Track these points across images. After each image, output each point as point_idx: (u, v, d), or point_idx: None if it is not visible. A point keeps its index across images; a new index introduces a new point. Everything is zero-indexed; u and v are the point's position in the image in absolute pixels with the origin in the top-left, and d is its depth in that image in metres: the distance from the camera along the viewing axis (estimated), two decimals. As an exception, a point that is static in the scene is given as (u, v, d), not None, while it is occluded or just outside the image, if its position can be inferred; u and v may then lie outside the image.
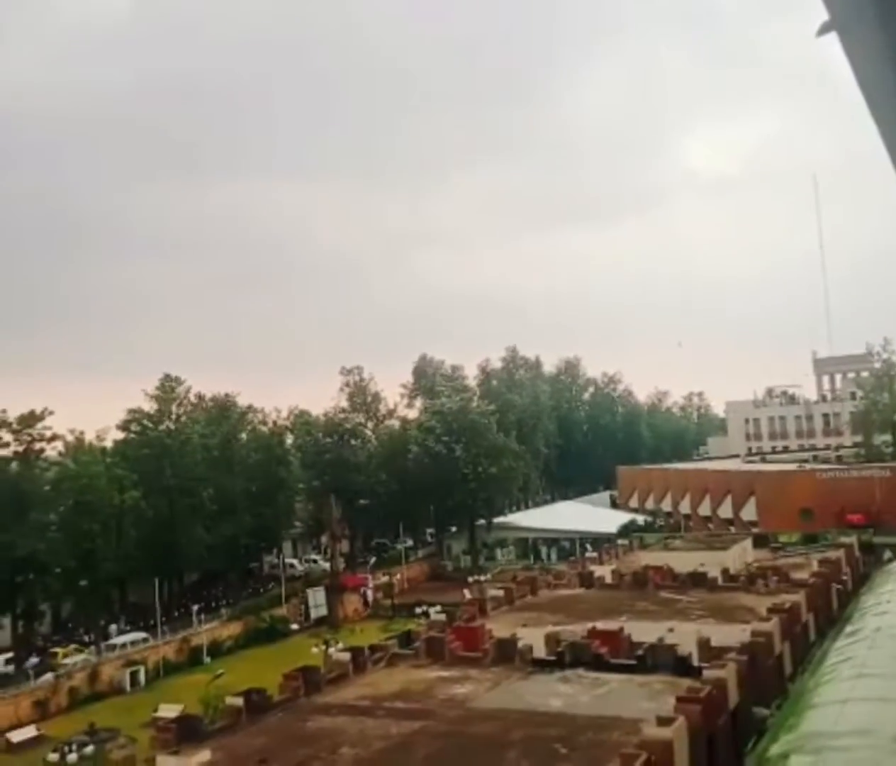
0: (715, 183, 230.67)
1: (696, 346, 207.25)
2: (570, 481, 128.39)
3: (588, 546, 74.52)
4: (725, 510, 79.56)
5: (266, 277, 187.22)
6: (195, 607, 66.63)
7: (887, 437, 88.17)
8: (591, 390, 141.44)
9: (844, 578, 45.81)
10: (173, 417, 75.60)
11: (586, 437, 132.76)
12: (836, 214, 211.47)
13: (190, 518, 69.92)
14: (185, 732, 26.73)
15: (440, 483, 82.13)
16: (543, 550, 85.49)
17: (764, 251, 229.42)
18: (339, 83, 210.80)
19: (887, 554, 53.58)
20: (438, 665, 33.51)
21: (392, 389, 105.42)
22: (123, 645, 59.29)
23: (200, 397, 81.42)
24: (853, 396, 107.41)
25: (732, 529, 73.40)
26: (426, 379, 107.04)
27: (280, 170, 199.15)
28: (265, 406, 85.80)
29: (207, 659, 59.53)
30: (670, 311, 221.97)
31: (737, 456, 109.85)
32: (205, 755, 22.92)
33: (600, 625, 34.82)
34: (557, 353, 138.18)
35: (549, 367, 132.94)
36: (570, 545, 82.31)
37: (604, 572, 50.41)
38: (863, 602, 34.27)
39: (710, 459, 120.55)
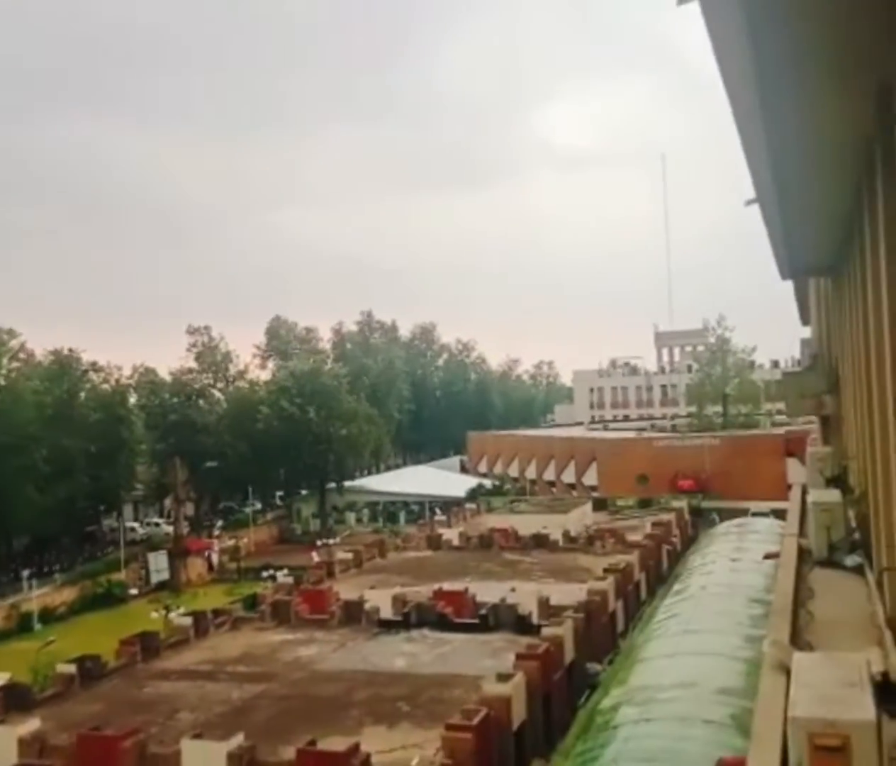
0: (572, 157, 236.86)
1: (548, 315, 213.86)
2: (422, 445, 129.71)
3: (437, 510, 75.64)
4: (569, 475, 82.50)
5: (116, 226, 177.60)
6: (25, 572, 63.11)
7: (718, 408, 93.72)
8: (445, 356, 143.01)
9: (674, 539, 48.65)
10: (3, 371, 70.97)
11: (439, 403, 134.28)
12: (684, 194, 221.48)
13: (20, 479, 65.95)
14: (13, 700, 25.56)
15: (290, 446, 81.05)
16: (393, 513, 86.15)
17: (615, 227, 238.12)
18: (206, 36, 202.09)
19: (714, 517, 57.12)
20: (284, 628, 33.31)
21: (245, 349, 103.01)
22: (-58, 613, 55.56)
23: (30, 354, 76.75)
24: (689, 368, 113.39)
25: (575, 493, 76.25)
26: (279, 341, 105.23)
27: (136, 116, 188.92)
28: (110, 362, 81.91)
29: (39, 626, 56.51)
30: (525, 280, 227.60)
31: (581, 424, 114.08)
32: (34, 723, 21.90)
33: (446, 586, 35.53)
34: (413, 318, 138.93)
35: (404, 332, 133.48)
36: (420, 509, 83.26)
37: (451, 534, 51.38)
38: (690, 562, 36.36)
39: (556, 426, 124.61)
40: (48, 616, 58.34)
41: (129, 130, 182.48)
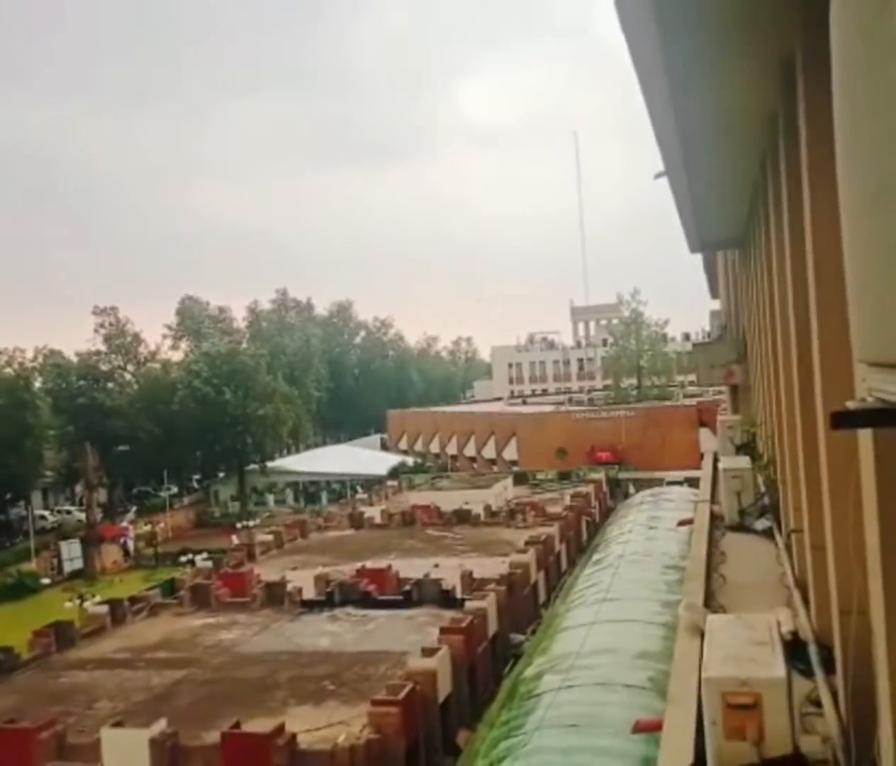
0: (488, 132, 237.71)
1: (466, 292, 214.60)
2: (341, 424, 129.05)
3: (359, 488, 75.49)
4: (489, 451, 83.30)
5: (12, 201, 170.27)
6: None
7: (633, 380, 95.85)
8: (363, 334, 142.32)
9: (593, 510, 49.69)
10: None
11: (357, 381, 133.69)
12: (598, 169, 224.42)
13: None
14: (-83, 700, 24.51)
15: (207, 428, 79.59)
16: (314, 493, 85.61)
17: (531, 203, 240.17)
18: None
19: (630, 488, 58.55)
20: (204, 612, 32.85)
21: (154, 329, 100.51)
22: None
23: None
24: (605, 342, 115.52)
25: (496, 468, 77.05)
26: (192, 321, 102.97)
27: (30, 86, 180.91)
28: (8, 346, 78.81)
29: (-56, 621, 54.44)
30: (442, 257, 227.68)
31: (500, 399, 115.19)
32: (-59, 722, 21.07)
33: (369, 564, 35.58)
34: (330, 296, 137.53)
35: (320, 310, 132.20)
36: (342, 488, 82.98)
37: (373, 512, 51.41)
38: (608, 532, 37.21)
39: (476, 402, 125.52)
40: (-47, 611, 56.15)
41: (24, 102, 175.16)
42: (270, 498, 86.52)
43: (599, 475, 59.85)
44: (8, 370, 76.70)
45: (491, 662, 26.80)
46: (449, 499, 52.13)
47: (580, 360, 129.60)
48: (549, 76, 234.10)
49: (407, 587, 31.96)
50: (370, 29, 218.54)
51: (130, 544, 70.01)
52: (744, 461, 14.25)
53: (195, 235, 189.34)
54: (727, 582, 9.68)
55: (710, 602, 8.75)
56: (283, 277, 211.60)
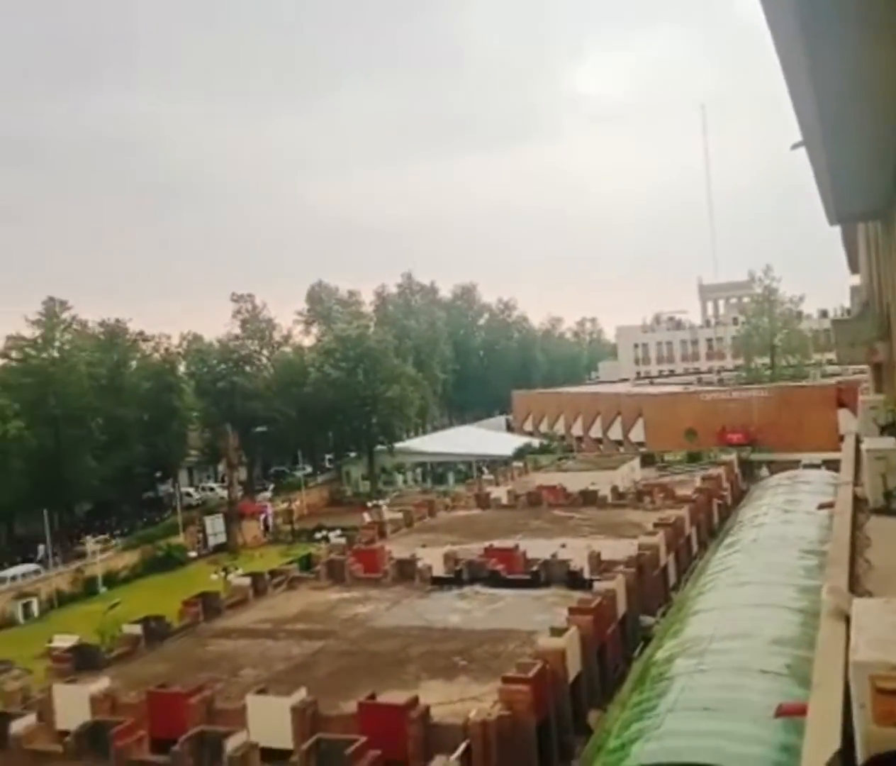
0: (606, 110, 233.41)
1: (588, 272, 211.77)
2: (467, 406, 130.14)
3: (485, 469, 76.10)
4: (615, 432, 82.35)
5: (152, 198, 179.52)
6: (89, 538, 65.17)
7: (766, 359, 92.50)
8: (487, 316, 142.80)
9: (724, 493, 48.42)
10: (57, 344, 72.64)
11: (482, 362, 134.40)
12: (723, 144, 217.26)
13: (78, 448, 67.77)
14: (82, 661, 26.48)
15: (338, 409, 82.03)
16: (441, 473, 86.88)
17: (655, 180, 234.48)
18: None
19: (763, 470, 56.74)
20: (339, 587, 34.00)
21: (284, 315, 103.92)
22: (14, 577, 57.57)
23: (84, 324, 78.25)
24: (735, 321, 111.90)
25: (622, 449, 76.12)
26: (321, 306, 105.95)
27: (161, 86, 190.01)
28: (156, 333, 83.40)
29: (103, 589, 58.44)
30: (564, 237, 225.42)
31: (626, 380, 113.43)
32: (103, 682, 22.78)
33: (496, 543, 35.90)
34: (452, 279, 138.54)
35: (444, 293, 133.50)
36: (468, 469, 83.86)
37: (500, 493, 51.75)
38: (741, 515, 36.30)
39: (601, 383, 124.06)
40: (112, 580, 60.29)
41: (159, 100, 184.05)
42: (399, 478, 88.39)
43: (731, 457, 58.28)
44: (155, 356, 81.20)
45: (620, 643, 26.71)
46: (575, 480, 51.92)
47: (709, 339, 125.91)
48: (671, 49, 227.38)
49: (534, 567, 32.12)
50: (484, 13, 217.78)
51: (269, 521, 73.21)
52: (889, 442, 13.69)
53: (319, 223, 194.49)
54: (872, 567, 9.42)
55: (855, 587, 8.57)
56: (406, 262, 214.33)
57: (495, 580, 32.02)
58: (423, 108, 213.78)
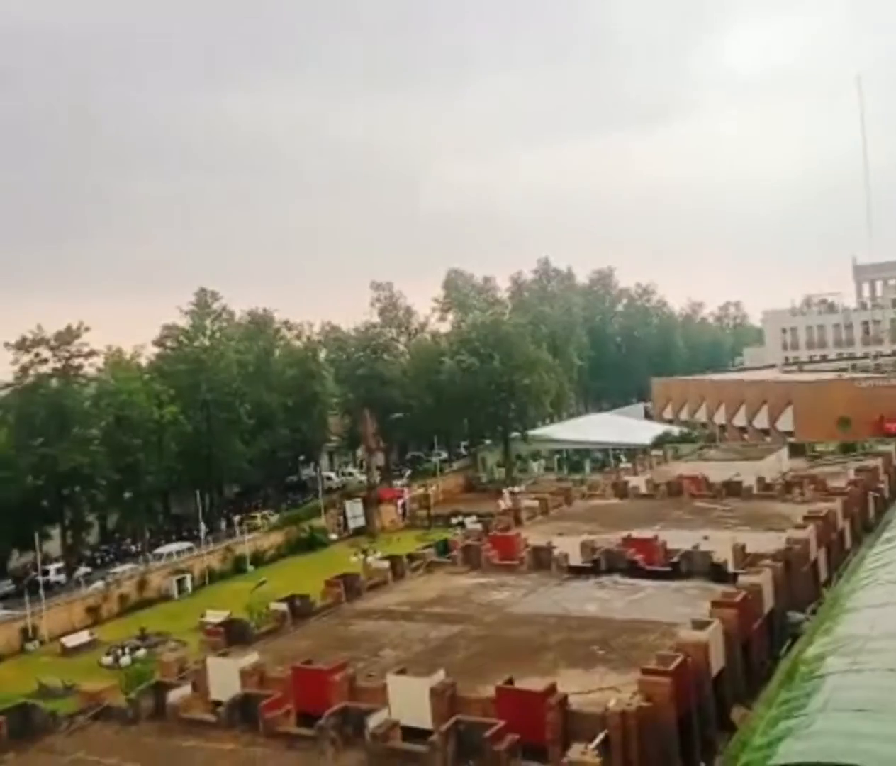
0: (753, 84, 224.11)
1: (733, 254, 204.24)
2: (603, 393, 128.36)
3: (622, 457, 74.80)
4: (761, 421, 79.24)
5: (290, 188, 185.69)
6: (238, 518, 68.46)
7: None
8: (625, 301, 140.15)
9: (881, 486, 45.63)
10: (208, 332, 76.44)
11: (620, 349, 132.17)
12: (881, 116, 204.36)
13: (227, 432, 71.22)
14: (234, 635, 27.72)
15: (473, 396, 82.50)
16: (577, 461, 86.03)
17: (802, 155, 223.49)
18: None
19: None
20: (475, 573, 34.19)
21: (422, 302, 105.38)
22: (169, 554, 61.16)
23: (231, 314, 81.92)
24: (894, 303, 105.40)
25: (768, 439, 73.21)
26: (457, 293, 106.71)
27: (302, 79, 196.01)
28: (298, 321, 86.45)
29: (251, 568, 61.21)
30: (707, 218, 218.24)
31: (774, 366, 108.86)
32: (253, 656, 23.72)
33: (635, 533, 35.16)
34: (590, 264, 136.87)
35: (581, 278, 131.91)
36: (604, 457, 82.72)
37: (638, 482, 50.64)
38: (900, 509, 34.19)
39: (746, 369, 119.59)
40: (258, 559, 63.09)
41: (301, 92, 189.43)
42: (534, 465, 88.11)
43: (889, 448, 54.83)
44: (297, 343, 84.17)
45: (767, 640, 25.63)
46: (718, 470, 50.23)
47: (865, 323, 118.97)
48: (822, 22, 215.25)
49: (675, 559, 31.25)
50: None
51: (406, 505, 74.63)
52: None
53: (461, 207, 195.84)
54: None
55: None
56: (544, 247, 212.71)
57: (634, 571, 31.36)
58: (569, 89, 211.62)
